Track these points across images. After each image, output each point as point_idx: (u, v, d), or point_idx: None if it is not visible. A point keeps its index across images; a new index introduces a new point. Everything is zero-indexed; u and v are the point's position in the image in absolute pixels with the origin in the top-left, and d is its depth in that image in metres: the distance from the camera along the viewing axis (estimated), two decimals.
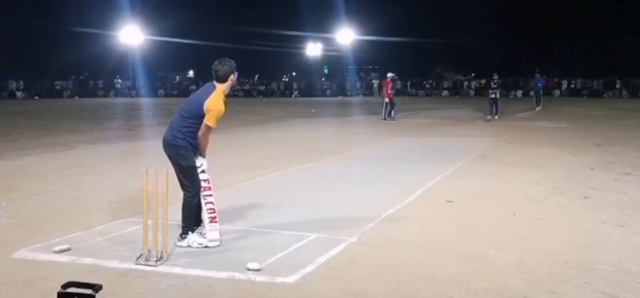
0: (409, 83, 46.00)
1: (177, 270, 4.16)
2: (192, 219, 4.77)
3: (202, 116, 4.63)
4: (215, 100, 4.66)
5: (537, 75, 25.20)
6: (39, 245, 4.69)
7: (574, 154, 10.56)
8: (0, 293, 3.82)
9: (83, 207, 6.30)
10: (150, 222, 4.24)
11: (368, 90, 46.75)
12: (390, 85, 19.68)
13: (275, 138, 14.32)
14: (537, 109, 23.26)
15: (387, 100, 19.63)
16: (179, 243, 4.69)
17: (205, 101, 4.66)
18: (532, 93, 26.36)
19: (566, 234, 5.20)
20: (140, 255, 4.28)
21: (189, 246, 4.67)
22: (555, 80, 44.94)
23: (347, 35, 46.94)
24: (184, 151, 4.67)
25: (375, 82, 47.66)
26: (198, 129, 4.66)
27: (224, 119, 4.91)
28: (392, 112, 19.50)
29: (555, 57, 45.38)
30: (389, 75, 20.27)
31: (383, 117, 19.34)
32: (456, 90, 45.66)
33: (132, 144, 13.08)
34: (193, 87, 49.10)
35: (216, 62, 4.86)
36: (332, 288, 3.84)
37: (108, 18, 41.01)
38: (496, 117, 19.36)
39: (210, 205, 4.75)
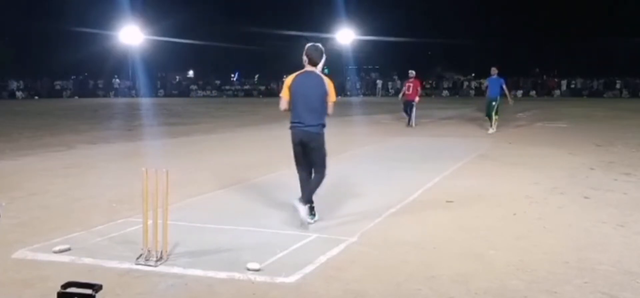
0: None
1: (176, 270, 4.15)
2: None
3: (326, 101, 5.38)
4: (330, 81, 5.45)
5: (494, 70, 15.13)
6: (39, 245, 4.69)
7: (574, 154, 10.56)
8: (0, 293, 3.81)
9: (83, 207, 6.30)
10: (150, 222, 4.24)
11: (368, 90, 46.73)
12: (411, 85, 17.06)
13: (276, 138, 14.30)
14: (490, 131, 14.88)
15: (409, 100, 17.08)
16: (312, 220, 5.35)
17: (326, 89, 5.37)
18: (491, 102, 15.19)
19: (566, 234, 5.20)
20: (140, 255, 4.28)
21: (316, 221, 5.38)
22: (555, 80, 45.03)
23: (347, 35, 46.94)
24: (324, 140, 5.46)
25: (380, 82, 47.60)
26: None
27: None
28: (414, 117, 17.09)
29: (556, 57, 45.39)
30: (412, 73, 17.25)
31: (408, 123, 16.93)
32: (456, 90, 45.69)
33: (131, 143, 13.08)
34: (193, 87, 49.37)
35: (312, 48, 5.47)
36: (332, 288, 3.84)
37: (108, 18, 41.05)
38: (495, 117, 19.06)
39: None
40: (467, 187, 7.40)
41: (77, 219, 5.66)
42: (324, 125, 5.41)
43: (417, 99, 17.10)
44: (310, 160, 5.47)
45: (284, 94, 5.42)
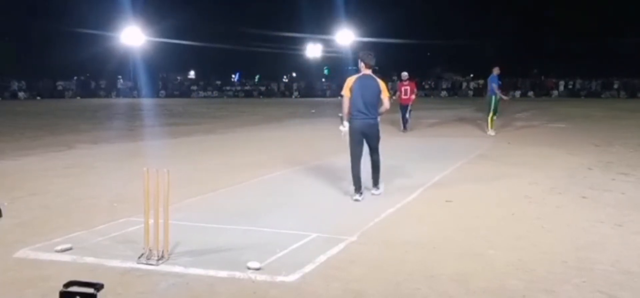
0: None
1: (178, 269, 4.18)
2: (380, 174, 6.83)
3: (381, 98, 6.62)
4: (382, 82, 6.68)
5: (497, 70, 14.94)
6: (41, 245, 4.72)
7: (573, 154, 10.58)
8: (2, 292, 3.84)
9: (84, 206, 6.32)
10: (151, 221, 4.26)
11: None
12: (408, 88, 16.01)
13: (276, 138, 14.35)
14: (490, 132, 14.56)
15: (406, 104, 15.93)
16: (377, 192, 6.76)
17: (380, 88, 6.58)
18: (488, 99, 14.97)
19: (565, 234, 5.22)
20: (142, 254, 4.30)
21: (380, 193, 6.73)
22: (553, 80, 45.04)
23: (346, 36, 46.92)
24: (379, 128, 6.70)
25: None
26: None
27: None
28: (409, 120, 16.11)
29: (554, 58, 45.41)
30: (406, 74, 16.39)
31: (404, 128, 15.86)
32: (455, 91, 45.73)
33: (132, 144, 13.10)
34: (194, 87, 49.41)
35: (365, 55, 6.70)
36: (332, 288, 3.87)
37: (109, 19, 41.08)
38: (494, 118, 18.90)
39: None
40: (467, 186, 7.42)
41: (78, 219, 5.68)
42: (378, 117, 6.66)
43: (412, 97, 16.08)
44: (369, 145, 6.72)
45: (346, 92, 6.61)
